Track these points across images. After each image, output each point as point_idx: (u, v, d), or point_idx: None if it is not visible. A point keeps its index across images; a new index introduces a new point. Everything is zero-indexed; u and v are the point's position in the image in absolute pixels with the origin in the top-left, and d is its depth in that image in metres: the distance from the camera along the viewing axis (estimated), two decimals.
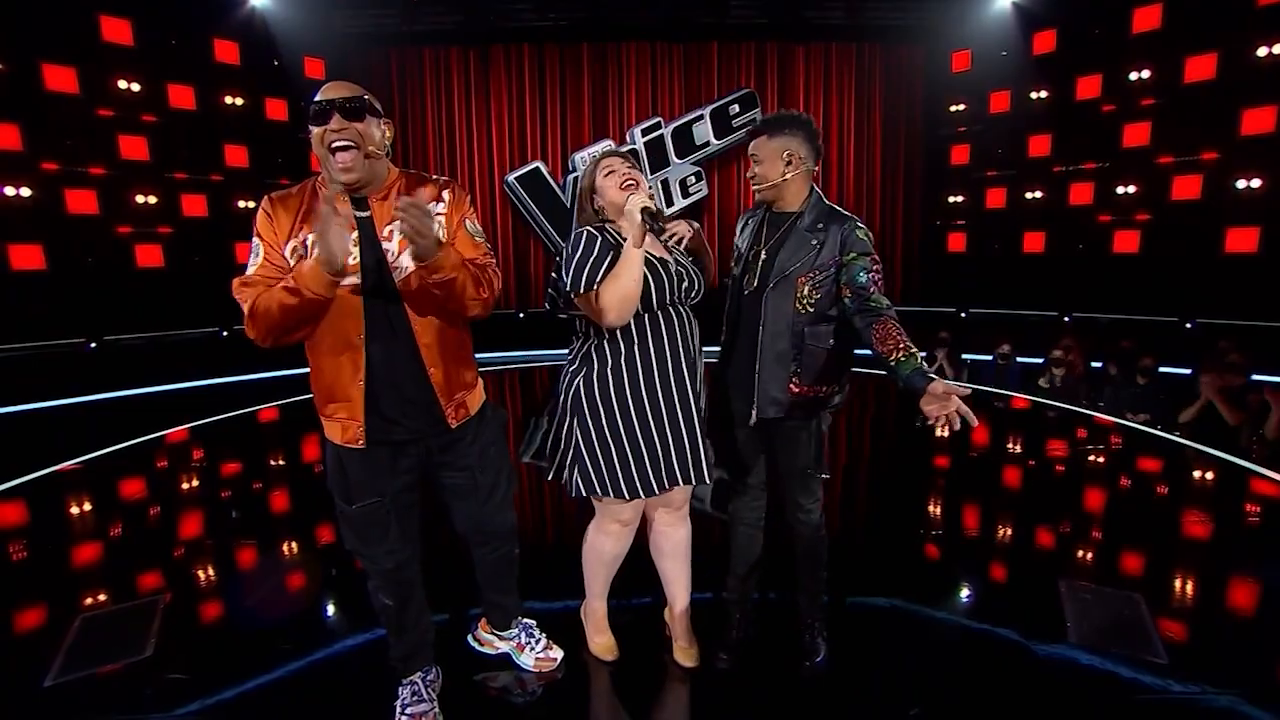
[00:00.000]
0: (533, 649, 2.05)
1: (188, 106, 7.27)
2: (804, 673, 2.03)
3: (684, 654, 2.04)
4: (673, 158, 8.69)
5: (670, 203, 8.76)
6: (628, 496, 1.79)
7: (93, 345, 6.76)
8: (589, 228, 1.78)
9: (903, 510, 3.41)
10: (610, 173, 1.80)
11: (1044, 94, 7.68)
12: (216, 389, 6.51)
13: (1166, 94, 6.75)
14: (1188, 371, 5.64)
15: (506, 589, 2.03)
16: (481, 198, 8.88)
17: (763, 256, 1.88)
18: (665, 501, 1.93)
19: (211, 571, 2.81)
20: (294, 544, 3.09)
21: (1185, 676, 1.99)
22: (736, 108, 8.66)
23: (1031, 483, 3.87)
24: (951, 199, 8.67)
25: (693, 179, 8.77)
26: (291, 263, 1.52)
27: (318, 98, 1.48)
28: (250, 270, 1.53)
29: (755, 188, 1.90)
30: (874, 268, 1.77)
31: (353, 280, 1.54)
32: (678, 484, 1.81)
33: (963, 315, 8.36)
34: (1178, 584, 2.67)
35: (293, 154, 8.14)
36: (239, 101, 7.60)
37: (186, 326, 7.40)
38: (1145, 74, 6.84)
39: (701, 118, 8.66)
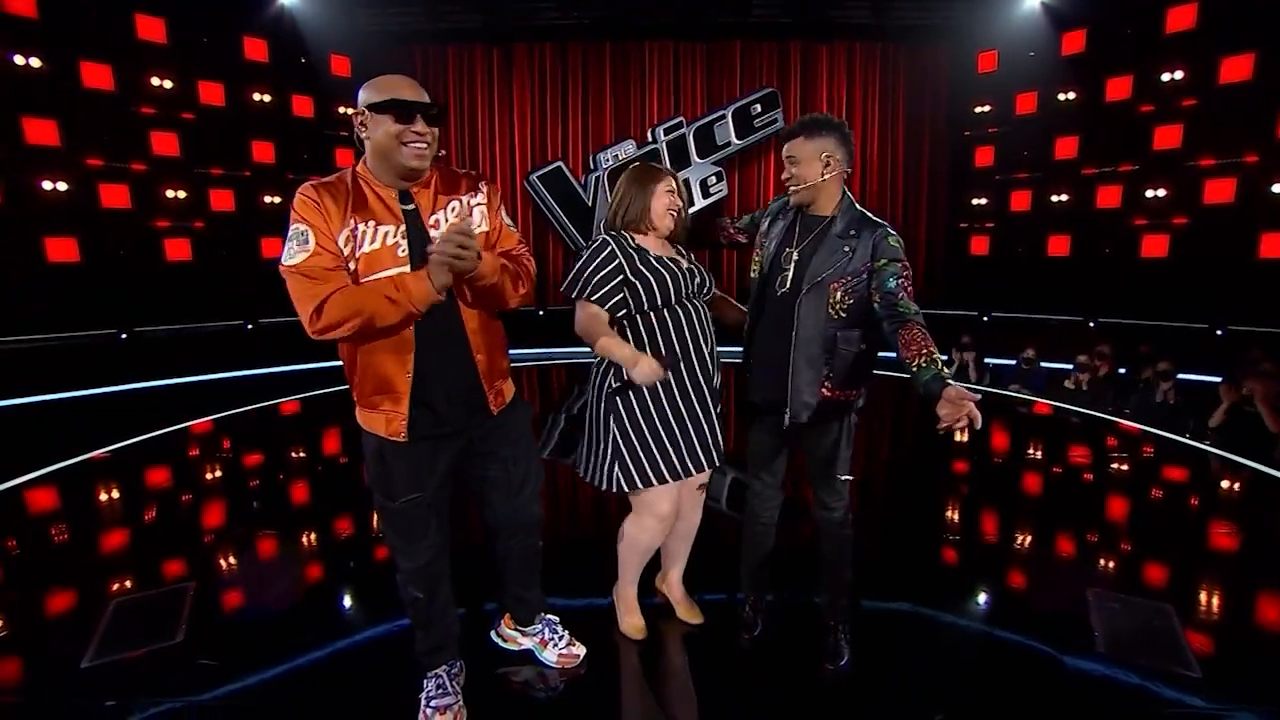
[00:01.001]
0: (556, 645, 2.07)
1: (217, 103, 7.41)
2: (826, 676, 2.03)
3: (690, 613, 2.25)
4: (694, 157, 8.68)
5: (691, 203, 8.74)
6: (669, 479, 1.91)
7: (124, 336, 6.92)
8: (612, 236, 1.92)
9: (925, 514, 3.38)
10: (669, 192, 1.95)
11: (1072, 95, 7.55)
12: (243, 380, 6.63)
13: (1200, 95, 6.60)
14: (1218, 379, 5.53)
15: (530, 583, 2.05)
16: (503, 196, 8.91)
17: (795, 259, 1.90)
18: (688, 489, 2.08)
19: (237, 560, 2.87)
20: (318, 534, 3.14)
21: (1216, 691, 1.96)
22: (758, 107, 8.62)
23: (1056, 488, 3.81)
24: (975, 201, 8.56)
25: (713, 179, 8.75)
26: (345, 251, 1.52)
27: (401, 98, 1.52)
28: (301, 258, 1.49)
29: (792, 189, 1.91)
30: (904, 274, 1.78)
31: (402, 269, 1.55)
32: (702, 468, 1.95)
33: (985, 319, 8.26)
34: (1208, 595, 2.62)
35: (318, 150, 8.26)
36: (267, 98, 7.74)
37: (214, 319, 7.55)
38: (1178, 75, 6.70)
39: (723, 117, 8.63)
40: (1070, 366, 5.78)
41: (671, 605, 2.30)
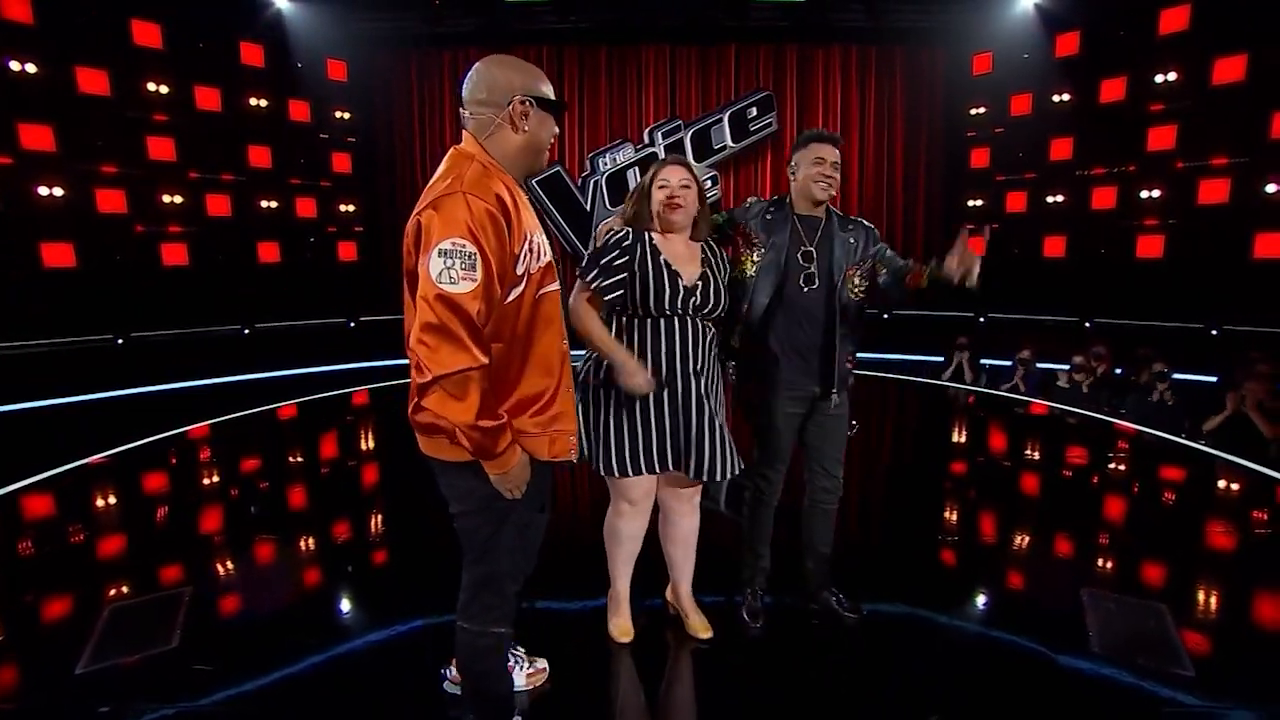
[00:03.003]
0: (522, 669, 1.95)
1: (213, 108, 7.41)
2: (825, 674, 2.03)
3: (699, 626, 2.19)
4: (691, 161, 8.68)
5: None
6: (630, 473, 1.93)
7: (120, 341, 6.91)
8: (636, 228, 1.92)
9: (919, 515, 3.38)
10: (663, 186, 1.91)
11: (1066, 97, 7.58)
12: (239, 385, 6.62)
13: (1194, 97, 6.63)
14: (1214, 379, 5.54)
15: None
16: None
17: (815, 257, 2.06)
18: (675, 494, 2.09)
19: (235, 565, 2.86)
20: (313, 540, 3.14)
21: (1210, 690, 1.96)
22: (755, 110, 8.64)
23: (1052, 488, 3.82)
24: (971, 202, 8.58)
25: (709, 182, 8.77)
26: (520, 270, 1.36)
27: (561, 100, 1.50)
28: (465, 288, 1.23)
29: (829, 193, 2.06)
30: (886, 244, 2.16)
31: (558, 284, 1.50)
32: (668, 469, 1.96)
33: (981, 320, 8.27)
34: (1205, 595, 2.63)
35: (314, 155, 8.28)
36: (263, 103, 7.74)
37: (211, 324, 7.54)
38: (1172, 76, 6.73)
39: (720, 121, 8.66)
40: (1066, 367, 5.79)
41: (681, 617, 2.24)
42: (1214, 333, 6.65)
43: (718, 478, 1.94)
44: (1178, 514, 3.45)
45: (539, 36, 8.54)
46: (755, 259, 2.06)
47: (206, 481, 3.96)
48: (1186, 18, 6.59)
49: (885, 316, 8.18)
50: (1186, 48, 6.61)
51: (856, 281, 2.09)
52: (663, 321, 1.91)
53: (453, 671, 1.91)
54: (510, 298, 1.36)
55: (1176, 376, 5.23)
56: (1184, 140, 6.74)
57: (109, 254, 6.83)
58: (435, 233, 1.24)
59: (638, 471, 1.93)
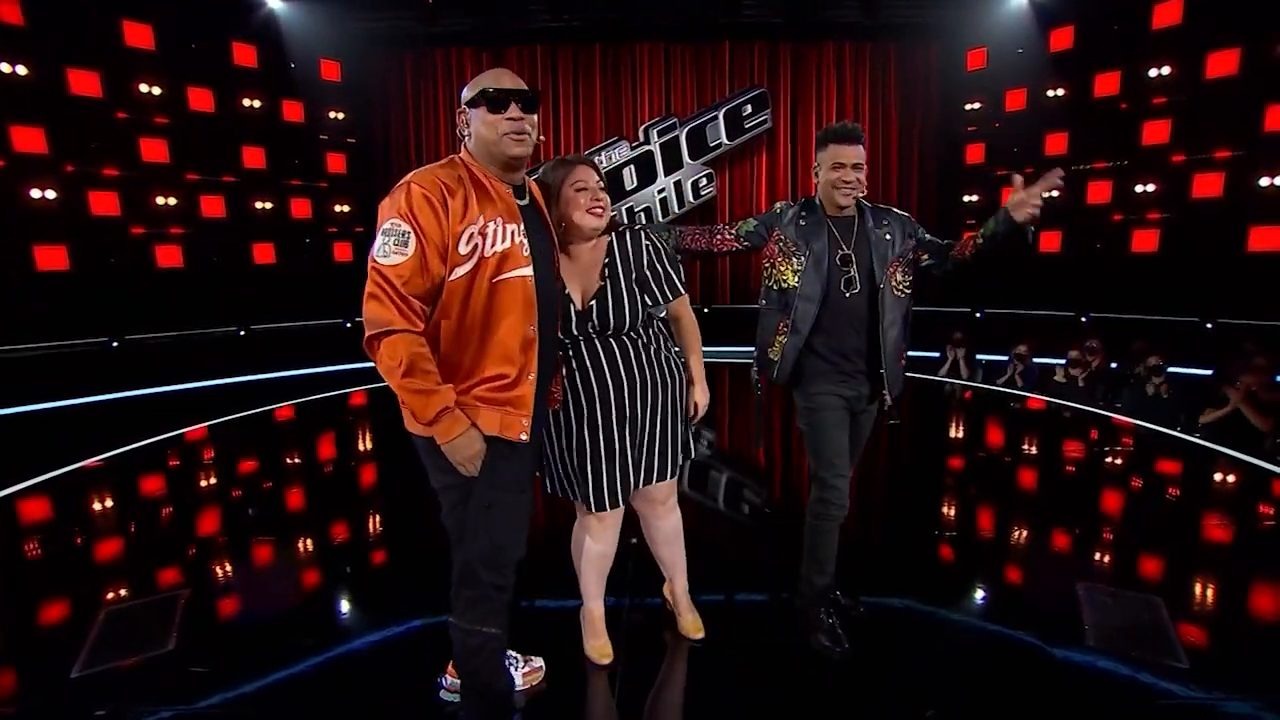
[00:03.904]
0: (518, 668, 1.93)
1: (207, 109, 7.38)
2: (822, 673, 2.03)
3: (692, 626, 2.16)
4: (686, 158, 8.69)
5: (682, 203, 8.76)
6: (608, 507, 1.86)
7: (114, 344, 6.88)
8: None
9: (916, 510, 3.38)
10: (582, 189, 1.74)
11: (1061, 92, 7.59)
12: (235, 387, 6.60)
13: (1187, 91, 6.64)
14: (1208, 372, 5.56)
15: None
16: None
17: (853, 260, 2.02)
18: (648, 500, 2.02)
19: (231, 567, 2.85)
20: (310, 541, 3.13)
21: (1205, 681, 1.97)
22: (749, 108, 8.64)
23: (1046, 483, 3.83)
24: (966, 198, 8.59)
25: (704, 180, 8.77)
26: (464, 251, 1.44)
27: (491, 86, 1.49)
28: (395, 260, 1.39)
29: (853, 193, 2.01)
30: (921, 226, 2.12)
31: (526, 271, 1.51)
32: (605, 506, 1.85)
33: (978, 315, 8.28)
34: (1199, 588, 2.64)
35: (309, 156, 8.25)
36: (256, 104, 7.71)
37: (206, 326, 7.52)
38: (1166, 70, 6.74)
39: (715, 118, 8.65)
40: (1063, 362, 5.81)
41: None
42: (1209, 326, 6.67)
43: (677, 471, 1.96)
44: (1171, 507, 3.46)
45: (533, 35, 8.52)
46: (796, 267, 2.02)
47: (204, 484, 3.95)
48: (1180, 11, 6.60)
49: None
50: (1180, 41, 6.63)
51: (899, 278, 2.04)
52: (583, 344, 1.81)
53: (448, 679, 1.89)
54: (454, 275, 1.45)
55: (1172, 370, 5.25)
56: (1178, 134, 6.75)
57: (103, 256, 6.80)
58: (382, 215, 1.44)
59: (614, 504, 1.86)
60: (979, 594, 2.56)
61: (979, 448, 4.52)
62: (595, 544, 1.97)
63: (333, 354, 7.57)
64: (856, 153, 1.98)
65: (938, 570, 2.78)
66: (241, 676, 2.03)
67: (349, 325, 8.46)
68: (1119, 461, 4.10)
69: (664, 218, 8.67)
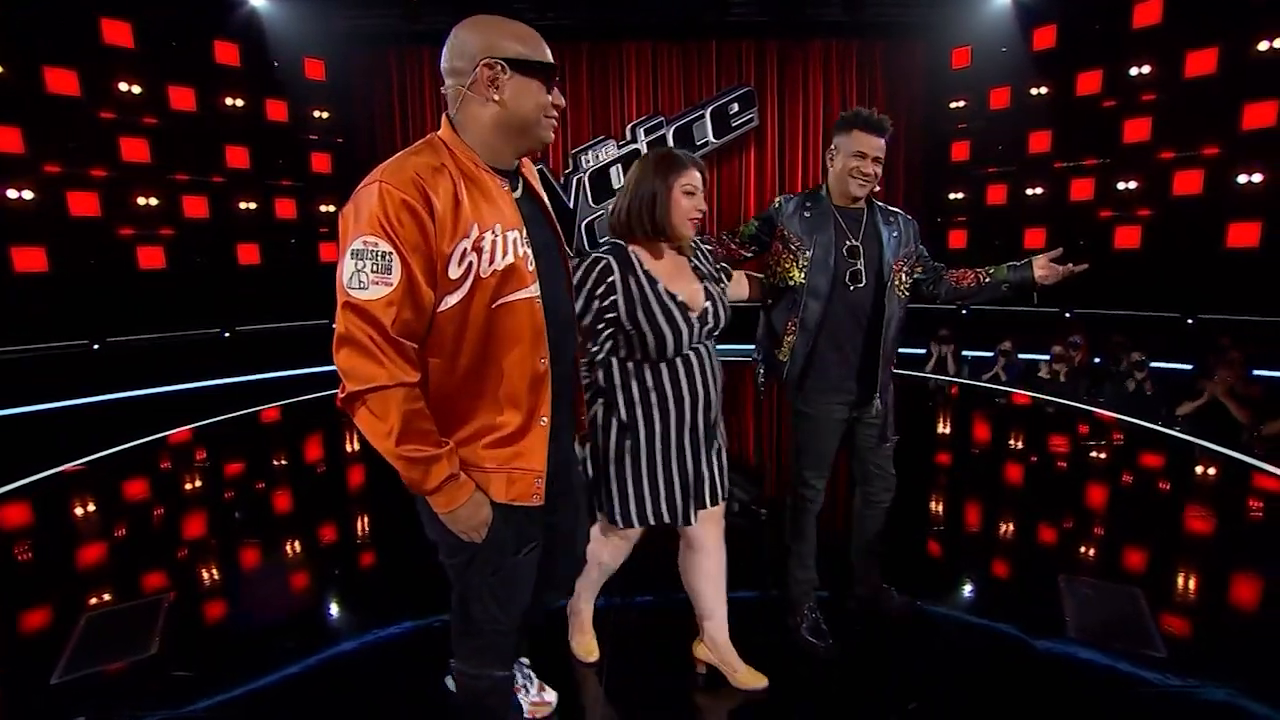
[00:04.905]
0: (528, 693, 1.82)
1: (188, 108, 7.29)
2: (816, 662, 2.03)
3: (753, 677, 1.91)
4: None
5: None
6: (651, 522, 1.72)
7: (96, 347, 6.79)
8: (616, 255, 1.59)
9: (900, 504, 3.40)
10: (691, 194, 1.60)
11: (1044, 90, 7.67)
12: (219, 389, 6.53)
13: (1168, 89, 6.73)
14: (1189, 367, 5.65)
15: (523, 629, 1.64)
16: None
17: (861, 252, 1.95)
18: (714, 519, 1.82)
19: (216, 571, 2.82)
20: (297, 544, 3.11)
21: (1183, 670, 2.00)
22: (736, 106, 8.66)
23: (1027, 477, 3.87)
24: (952, 195, 8.66)
25: None
26: (455, 275, 1.13)
27: (549, 60, 1.22)
28: (375, 294, 1.08)
29: (868, 186, 1.94)
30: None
31: (532, 291, 1.20)
32: (679, 521, 1.74)
33: (964, 312, 8.35)
34: (1177, 579, 2.68)
35: (294, 155, 8.17)
36: (239, 103, 7.63)
37: (189, 328, 7.43)
38: (1146, 69, 6.83)
39: (702, 116, 8.66)
40: (1047, 357, 5.88)
41: (721, 673, 1.93)
42: (1189, 322, 6.77)
43: (722, 500, 1.80)
44: (1151, 499, 3.51)
45: None
46: (802, 263, 1.94)
47: (187, 488, 3.90)
48: (1160, 11, 6.69)
49: None
50: (1160, 41, 6.71)
51: (902, 278, 1.99)
52: (664, 366, 1.63)
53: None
54: (445, 306, 1.14)
55: (1154, 365, 5.32)
56: (1159, 132, 6.84)
57: (83, 258, 6.70)
58: (350, 230, 1.10)
59: (685, 522, 1.73)
60: (962, 588, 2.58)
61: (964, 443, 4.56)
62: (609, 559, 1.90)
63: (320, 355, 7.50)
64: (880, 145, 1.89)
65: (921, 564, 2.80)
66: (226, 681, 2.01)
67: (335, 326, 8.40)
68: (1101, 455, 4.16)
69: None
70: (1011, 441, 4.64)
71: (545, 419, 1.24)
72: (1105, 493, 3.63)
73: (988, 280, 2.02)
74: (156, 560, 2.91)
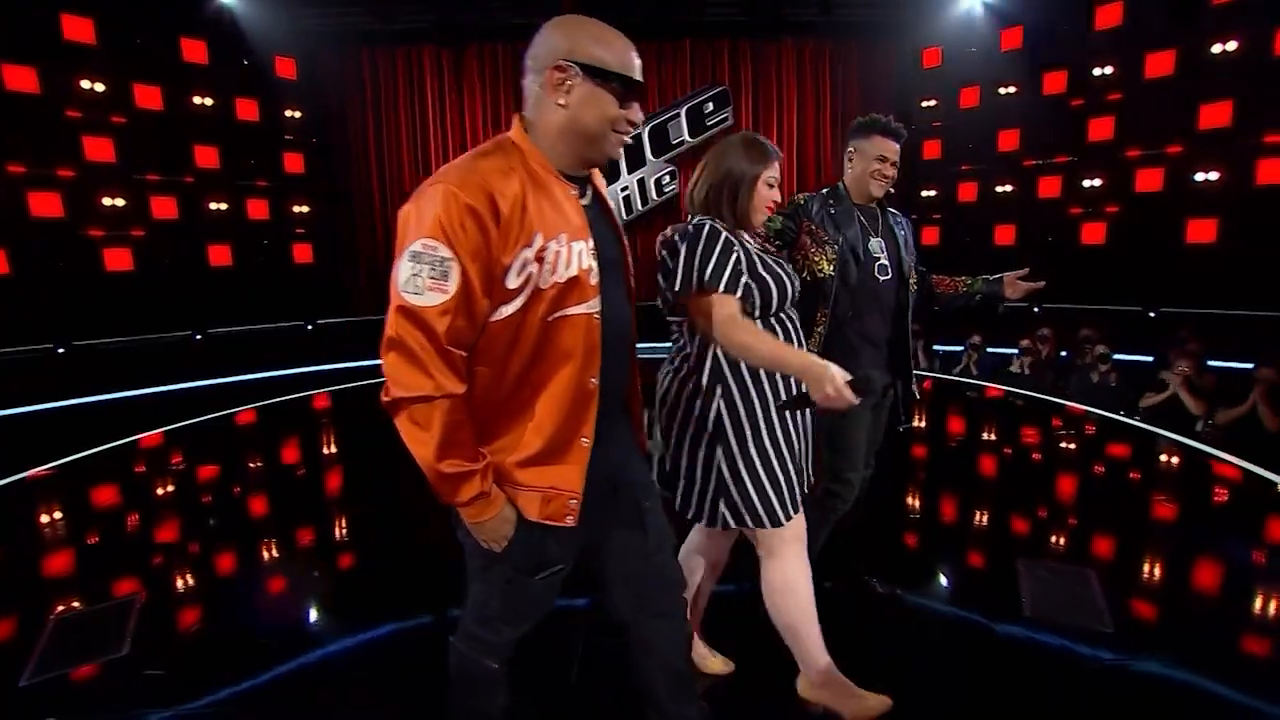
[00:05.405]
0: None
1: (155, 107, 7.15)
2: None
3: (718, 664, 1.99)
4: (649, 155, 8.73)
5: (645, 201, 8.80)
6: (793, 515, 1.62)
7: (61, 350, 6.63)
8: (722, 224, 1.57)
9: (877, 497, 3.47)
10: (773, 186, 1.61)
11: (1012, 89, 7.84)
12: (190, 392, 6.42)
13: (1129, 89, 6.92)
14: (1151, 359, 5.82)
15: (687, 695, 1.44)
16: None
17: (884, 247, 2.08)
18: (797, 532, 1.68)
19: (188, 575, 2.79)
20: (271, 547, 3.08)
21: (1125, 645, 2.08)
22: (711, 105, 8.72)
23: (991, 468, 3.97)
24: (924, 193, 8.81)
25: (667, 177, 8.82)
26: (513, 285, 1.10)
27: (636, 75, 1.19)
28: (436, 299, 1.05)
29: (886, 187, 2.08)
30: None
31: (592, 306, 1.17)
32: (799, 508, 1.67)
33: (935, 308, 8.50)
34: (1130, 560, 2.78)
35: (265, 155, 8.05)
36: (208, 101, 7.49)
37: (159, 330, 7.29)
38: (1109, 70, 7.01)
39: (677, 115, 8.71)
40: (1016, 351, 6.02)
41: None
42: (1152, 315, 6.97)
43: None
44: (1113, 487, 3.63)
45: (495, 33, 8.44)
46: (830, 255, 2.00)
47: (158, 492, 3.84)
48: (1120, 13, 6.87)
49: None
50: (1120, 43, 6.90)
51: (913, 273, 2.16)
52: (775, 326, 1.59)
53: None
54: (499, 315, 1.11)
55: (1117, 357, 5.48)
56: (1122, 131, 7.03)
57: (46, 260, 6.54)
58: (410, 231, 1.06)
59: (796, 512, 1.64)
60: (924, 576, 2.65)
61: (935, 436, 4.66)
62: (805, 574, 1.68)
63: (295, 357, 7.42)
64: (898, 149, 2.07)
65: (893, 554, 2.87)
66: (199, 683, 2.00)
67: (310, 328, 8.30)
68: (1069, 445, 4.28)
69: (628, 215, 8.68)
70: (986, 434, 4.75)
71: (587, 439, 1.20)
72: (1067, 481, 3.74)
73: (964, 290, 2.24)
74: (125, 565, 2.86)
